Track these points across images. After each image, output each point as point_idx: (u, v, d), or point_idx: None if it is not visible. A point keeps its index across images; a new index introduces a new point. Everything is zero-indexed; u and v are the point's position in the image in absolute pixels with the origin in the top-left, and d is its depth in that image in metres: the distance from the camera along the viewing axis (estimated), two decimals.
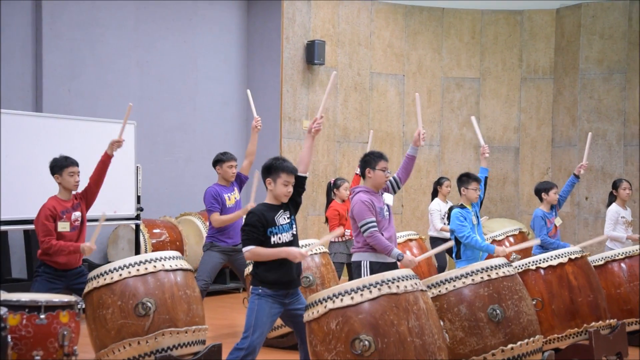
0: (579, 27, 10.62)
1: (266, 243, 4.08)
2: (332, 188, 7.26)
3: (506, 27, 11.11)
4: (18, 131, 6.81)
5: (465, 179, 5.76)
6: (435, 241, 7.93)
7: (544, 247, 6.37)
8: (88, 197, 5.15)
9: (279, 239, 4.10)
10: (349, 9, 10.51)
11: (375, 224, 4.76)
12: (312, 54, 9.92)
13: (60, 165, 4.99)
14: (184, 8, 9.60)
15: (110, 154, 5.20)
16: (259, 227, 4.06)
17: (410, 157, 5.07)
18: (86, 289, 4.64)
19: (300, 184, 4.23)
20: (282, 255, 4.05)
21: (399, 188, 5.10)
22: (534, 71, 11.05)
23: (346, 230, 6.94)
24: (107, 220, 7.71)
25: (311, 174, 10.17)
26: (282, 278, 4.09)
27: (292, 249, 4.08)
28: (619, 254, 6.11)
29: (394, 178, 5.07)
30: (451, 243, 5.32)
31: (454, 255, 5.66)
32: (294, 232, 4.20)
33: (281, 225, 4.13)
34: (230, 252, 6.14)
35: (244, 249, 4.09)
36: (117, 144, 5.21)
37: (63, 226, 4.93)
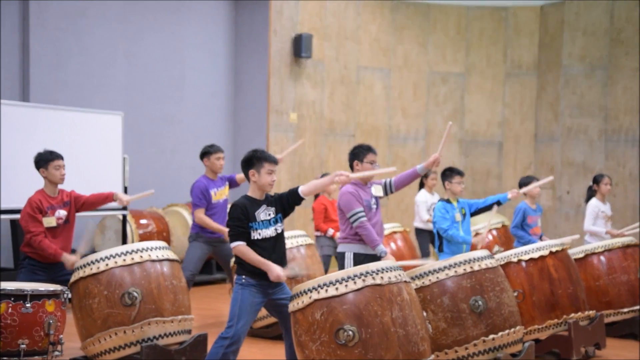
0: (562, 24, 10.73)
1: (249, 238, 4.07)
2: None
3: (491, 23, 11.19)
4: (4, 121, 6.79)
5: (448, 173, 5.78)
6: (420, 232, 8.00)
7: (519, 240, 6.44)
8: (80, 207, 5.16)
9: (259, 234, 4.09)
10: (336, 3, 10.53)
11: (363, 214, 4.79)
12: (300, 47, 9.94)
13: (46, 159, 4.98)
14: None
15: (114, 199, 5.27)
16: (242, 219, 4.06)
17: (415, 173, 4.97)
18: (72, 279, 4.65)
19: (297, 201, 4.22)
20: (263, 267, 4.03)
21: (391, 192, 5.04)
22: (518, 67, 11.16)
23: (329, 229, 6.99)
24: (94, 210, 7.72)
25: (297, 167, 10.21)
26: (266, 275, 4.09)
27: (275, 267, 4.04)
28: (598, 247, 6.21)
29: (390, 181, 5.02)
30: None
31: (436, 248, 5.72)
32: (279, 230, 4.17)
33: (261, 221, 4.11)
34: (216, 242, 6.17)
35: (232, 245, 4.09)
36: (125, 202, 5.31)
37: (48, 222, 4.92)
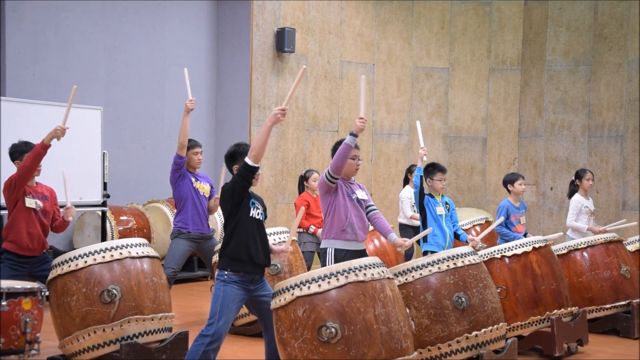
0: (546, 19, 10.75)
1: (247, 212, 4.05)
2: (303, 180, 7.26)
3: (475, 18, 11.19)
4: None
5: (430, 169, 5.75)
6: (404, 229, 7.97)
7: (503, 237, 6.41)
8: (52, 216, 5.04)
9: (252, 213, 4.09)
10: None
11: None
12: (282, 41, 9.88)
13: (21, 151, 4.91)
14: None
15: (47, 144, 4.76)
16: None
17: (386, 236, 4.86)
18: (50, 276, 4.58)
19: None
20: (268, 126, 3.91)
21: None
22: (502, 62, 11.16)
23: (311, 225, 6.94)
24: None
25: (280, 163, 10.15)
26: (254, 259, 4.05)
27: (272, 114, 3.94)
28: (581, 243, 6.22)
29: (368, 212, 4.87)
30: (429, 230, 5.27)
31: (420, 240, 5.67)
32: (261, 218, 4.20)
33: (252, 202, 4.13)
34: (199, 239, 6.11)
35: (247, 159, 3.91)
36: (60, 131, 4.76)
37: (30, 202, 4.84)
